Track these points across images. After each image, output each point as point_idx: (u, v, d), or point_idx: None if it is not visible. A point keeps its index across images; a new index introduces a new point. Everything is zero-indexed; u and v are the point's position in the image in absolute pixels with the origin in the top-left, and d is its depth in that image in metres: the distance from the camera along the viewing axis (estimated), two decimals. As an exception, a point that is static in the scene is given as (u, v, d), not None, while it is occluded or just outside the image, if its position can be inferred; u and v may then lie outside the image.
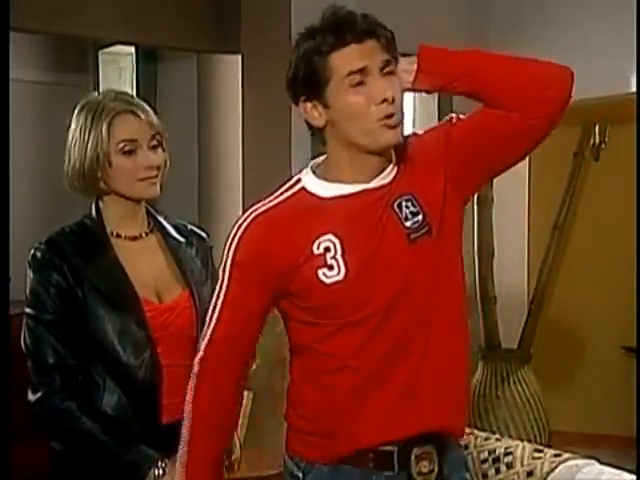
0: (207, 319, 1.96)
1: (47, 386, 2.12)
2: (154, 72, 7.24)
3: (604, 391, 5.65)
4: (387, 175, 1.91)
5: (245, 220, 1.91)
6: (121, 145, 2.15)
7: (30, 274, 2.19)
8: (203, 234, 2.39)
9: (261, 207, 1.92)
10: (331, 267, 1.85)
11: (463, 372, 1.99)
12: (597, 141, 5.56)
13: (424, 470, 1.92)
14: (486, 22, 5.00)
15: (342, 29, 1.84)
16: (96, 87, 7.77)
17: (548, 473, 2.61)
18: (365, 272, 1.86)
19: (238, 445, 2.52)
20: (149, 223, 2.28)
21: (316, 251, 1.86)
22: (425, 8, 4.90)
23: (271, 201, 1.93)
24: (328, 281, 1.86)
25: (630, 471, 2.55)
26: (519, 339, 5.22)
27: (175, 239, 2.30)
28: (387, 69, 1.85)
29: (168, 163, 2.24)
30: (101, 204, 2.25)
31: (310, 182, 1.93)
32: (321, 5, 5.01)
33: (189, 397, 1.94)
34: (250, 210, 1.93)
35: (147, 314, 2.15)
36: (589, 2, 4.50)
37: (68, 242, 2.19)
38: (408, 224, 1.86)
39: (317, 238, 1.86)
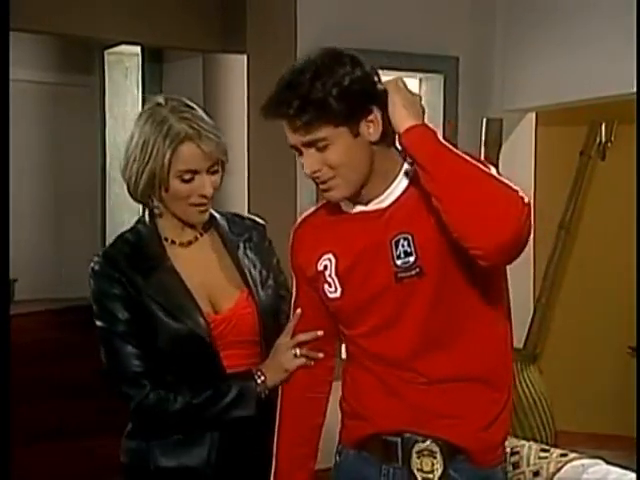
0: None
1: (139, 393, 2.13)
2: (160, 72, 7.24)
3: (611, 391, 5.64)
4: (385, 198, 1.95)
5: (295, 225, 2.10)
6: (180, 174, 2.12)
7: (92, 286, 2.18)
8: (260, 225, 2.36)
9: (303, 215, 2.10)
10: (330, 284, 1.99)
11: (480, 399, 1.99)
12: (603, 140, 5.54)
13: (426, 468, 1.95)
14: (488, 24, 4.99)
15: None
16: (102, 87, 7.78)
17: (554, 473, 2.61)
18: (357, 296, 1.97)
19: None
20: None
21: (319, 267, 2.00)
22: (428, 9, 4.90)
23: (317, 205, 2.08)
24: (330, 296, 2.01)
25: (635, 471, 2.54)
26: (525, 339, 5.21)
27: (231, 237, 2.28)
28: None
29: (218, 186, 2.20)
30: (155, 210, 2.22)
31: None
32: (327, 5, 5.01)
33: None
34: (304, 214, 2.10)
35: (211, 325, 2.16)
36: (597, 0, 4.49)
37: (122, 254, 2.18)
38: (399, 262, 1.90)
39: (322, 255, 2.00)
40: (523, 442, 2.73)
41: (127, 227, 2.28)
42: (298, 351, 2.13)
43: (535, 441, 3.23)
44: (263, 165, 4.59)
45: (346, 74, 1.83)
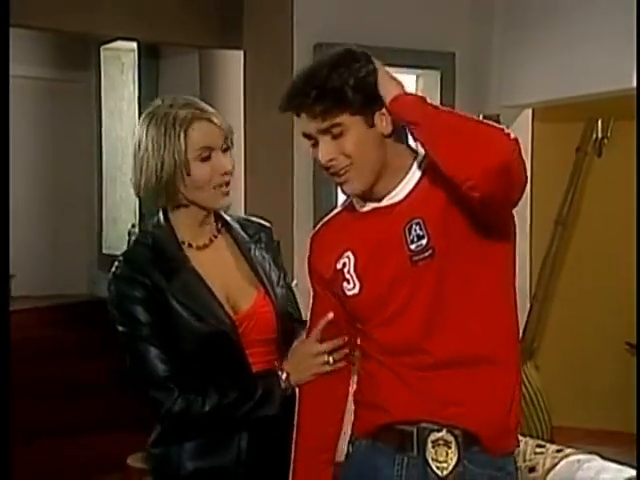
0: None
1: (168, 398, 2.13)
2: (156, 68, 7.24)
3: (607, 387, 5.65)
4: (397, 194, 2.01)
5: (311, 235, 2.15)
6: (199, 152, 2.14)
7: (112, 290, 2.17)
8: (267, 227, 2.39)
9: (321, 222, 2.15)
10: (348, 281, 2.03)
11: (489, 383, 1.99)
12: (600, 136, 5.55)
13: (440, 458, 1.97)
14: (485, 20, 4.99)
15: None
16: (98, 83, 7.79)
17: (550, 469, 2.62)
18: (375, 288, 2.00)
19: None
20: (217, 224, 2.27)
21: (338, 266, 2.05)
22: (424, 5, 4.90)
23: (330, 214, 2.15)
24: (349, 293, 2.04)
25: (632, 467, 2.55)
26: (521, 335, 5.21)
27: (243, 238, 2.30)
28: None
29: (235, 166, 2.22)
30: (169, 211, 2.22)
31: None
32: (324, 1, 5.00)
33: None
34: (320, 223, 2.16)
35: (236, 323, 2.17)
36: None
37: (144, 257, 2.18)
38: (413, 247, 1.96)
39: (341, 254, 2.05)
40: (519, 437, 2.73)
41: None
42: (332, 358, 2.14)
43: (531, 437, 3.24)
44: (260, 160, 4.59)
45: (362, 66, 1.92)
